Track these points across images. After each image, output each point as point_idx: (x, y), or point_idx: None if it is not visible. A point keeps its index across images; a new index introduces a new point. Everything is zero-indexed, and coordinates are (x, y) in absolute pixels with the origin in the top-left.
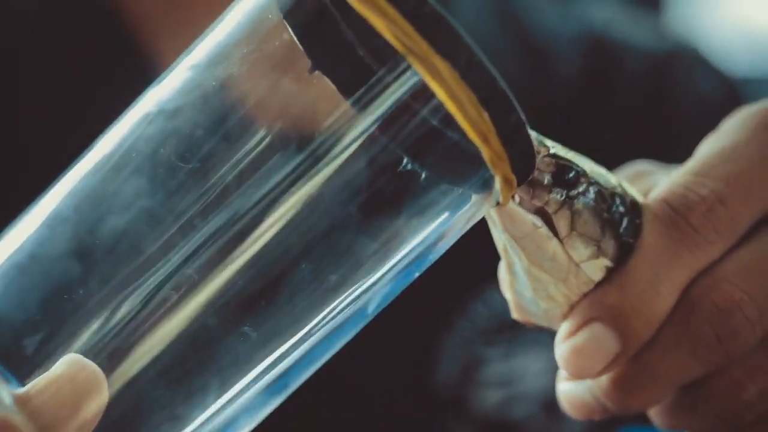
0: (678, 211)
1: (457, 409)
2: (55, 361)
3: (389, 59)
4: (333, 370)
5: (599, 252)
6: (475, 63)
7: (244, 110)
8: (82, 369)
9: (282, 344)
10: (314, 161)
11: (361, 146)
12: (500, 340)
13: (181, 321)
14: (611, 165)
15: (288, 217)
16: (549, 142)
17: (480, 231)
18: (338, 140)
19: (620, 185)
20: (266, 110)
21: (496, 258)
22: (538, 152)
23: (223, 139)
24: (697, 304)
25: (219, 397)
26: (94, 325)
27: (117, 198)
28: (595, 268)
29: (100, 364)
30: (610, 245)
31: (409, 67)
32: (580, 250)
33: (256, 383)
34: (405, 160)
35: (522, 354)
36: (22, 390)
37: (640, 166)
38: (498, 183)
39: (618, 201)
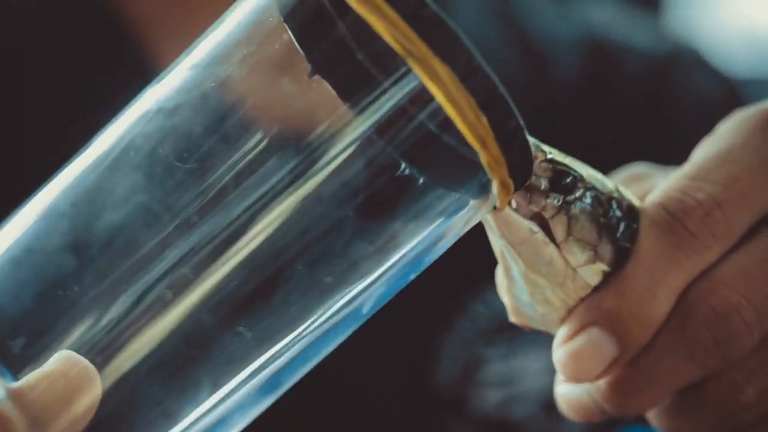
0: (675, 216)
1: (457, 409)
2: (50, 356)
3: (388, 64)
4: (333, 370)
5: (596, 257)
6: (474, 67)
7: (243, 111)
8: (75, 365)
9: (276, 344)
10: (311, 163)
11: (358, 150)
12: (500, 340)
13: (175, 319)
14: (611, 166)
15: (284, 218)
16: (546, 148)
17: (481, 231)
18: (336, 143)
19: (617, 190)
20: (265, 111)
21: (497, 259)
22: (536, 157)
23: (221, 139)
24: (694, 308)
25: (212, 394)
26: (89, 321)
27: (113, 194)
28: (592, 273)
29: (94, 360)
30: (606, 250)
31: (408, 72)
32: (577, 255)
33: (249, 382)
34: (402, 165)
35: (522, 354)
36: (16, 384)
37: (637, 168)
38: (495, 188)
39: (615, 206)
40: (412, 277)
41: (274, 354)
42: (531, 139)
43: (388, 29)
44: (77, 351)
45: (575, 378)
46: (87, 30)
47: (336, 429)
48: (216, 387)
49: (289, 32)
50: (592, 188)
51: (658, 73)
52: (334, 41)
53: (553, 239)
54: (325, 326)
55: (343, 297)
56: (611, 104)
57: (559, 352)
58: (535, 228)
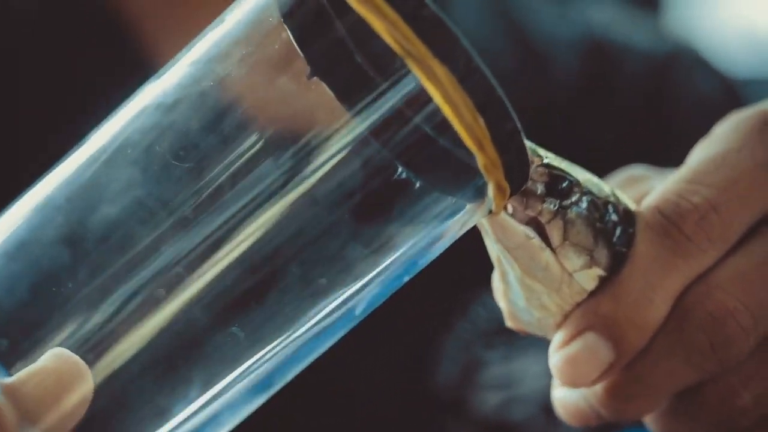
0: (670, 220)
1: (456, 411)
2: (43, 352)
3: (387, 66)
4: (333, 371)
5: (592, 261)
6: (473, 68)
7: (241, 110)
8: (66, 361)
9: (268, 344)
10: (308, 164)
11: (354, 151)
12: (500, 342)
13: (168, 317)
14: (611, 166)
15: (279, 218)
16: (542, 152)
17: (479, 233)
18: (332, 145)
19: (613, 194)
20: (262, 111)
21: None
22: (532, 162)
23: (218, 137)
24: (690, 312)
25: (203, 392)
26: (82, 317)
27: (109, 190)
28: (588, 278)
29: (86, 356)
30: (603, 255)
31: (406, 74)
32: (573, 260)
33: (241, 381)
34: (399, 168)
35: (522, 356)
36: (8, 379)
37: (634, 170)
38: (491, 191)
39: (611, 210)
40: (407, 279)
41: (266, 354)
42: (528, 143)
43: (388, 29)
44: (70, 347)
45: (572, 383)
46: (87, 29)
47: (336, 429)
48: (207, 385)
49: (288, 32)
50: (589, 193)
51: (657, 73)
52: (333, 42)
53: (549, 244)
54: (318, 327)
55: (336, 298)
56: (611, 104)
57: (556, 358)
58: (531, 233)
